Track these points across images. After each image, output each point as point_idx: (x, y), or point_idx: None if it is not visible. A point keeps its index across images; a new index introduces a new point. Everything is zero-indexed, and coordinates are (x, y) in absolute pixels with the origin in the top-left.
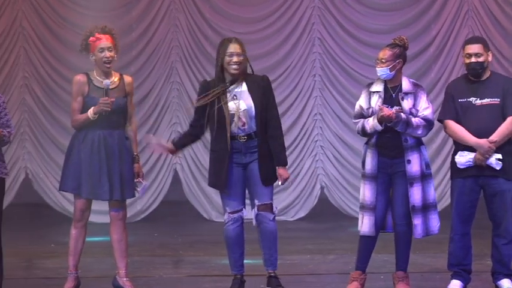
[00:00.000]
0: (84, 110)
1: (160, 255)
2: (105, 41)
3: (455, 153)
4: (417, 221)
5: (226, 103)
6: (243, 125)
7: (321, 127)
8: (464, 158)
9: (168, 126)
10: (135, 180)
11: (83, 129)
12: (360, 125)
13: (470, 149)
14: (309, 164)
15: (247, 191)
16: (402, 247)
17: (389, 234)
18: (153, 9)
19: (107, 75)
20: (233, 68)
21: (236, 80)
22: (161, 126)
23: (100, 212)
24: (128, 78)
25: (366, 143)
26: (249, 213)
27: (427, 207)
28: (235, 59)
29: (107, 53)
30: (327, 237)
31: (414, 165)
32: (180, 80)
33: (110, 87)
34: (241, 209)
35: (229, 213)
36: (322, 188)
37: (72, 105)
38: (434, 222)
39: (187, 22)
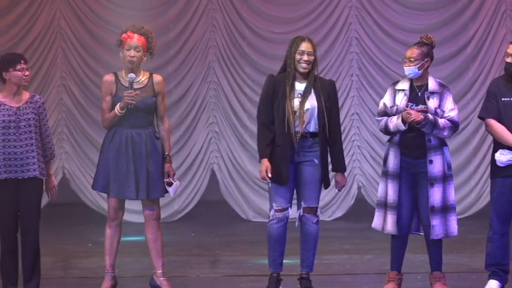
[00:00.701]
0: (113, 109)
1: (197, 255)
2: (135, 41)
3: (494, 152)
4: (435, 222)
5: (291, 99)
6: (303, 123)
7: (358, 127)
8: (505, 157)
9: (205, 126)
10: (165, 180)
11: (112, 128)
12: (383, 123)
13: (511, 148)
14: (346, 164)
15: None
16: (433, 247)
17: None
18: (191, 9)
19: (134, 73)
20: (302, 67)
21: (302, 78)
22: (198, 125)
23: (137, 211)
24: (157, 78)
25: (389, 141)
26: (293, 213)
27: (446, 208)
28: (305, 57)
29: (132, 52)
30: (364, 237)
31: (436, 166)
32: (217, 79)
33: (137, 86)
34: (288, 208)
35: (275, 210)
36: (359, 187)
37: (101, 105)
38: (454, 224)
39: (224, 22)
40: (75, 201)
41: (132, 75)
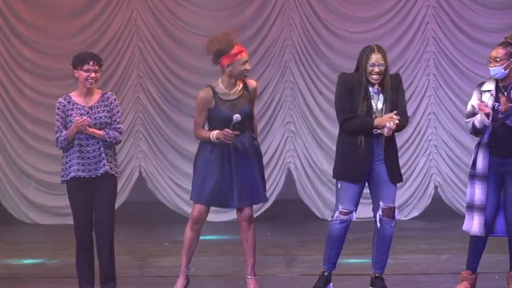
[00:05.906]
0: (211, 122)
1: (274, 254)
2: (245, 54)
3: None
4: None
5: (364, 100)
6: None
7: (434, 126)
8: None
9: (281, 125)
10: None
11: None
12: (470, 123)
13: None
14: (423, 163)
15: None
16: None
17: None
18: (267, 9)
19: (234, 86)
20: (374, 78)
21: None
22: (274, 125)
23: (215, 211)
24: (252, 84)
25: (478, 143)
26: (369, 213)
27: None
28: (376, 69)
29: (248, 65)
30: (441, 236)
31: None
32: (294, 79)
33: (234, 97)
34: (353, 211)
35: (340, 212)
36: (436, 187)
37: (195, 118)
38: None
39: (301, 21)
40: (152, 200)
41: (237, 116)
